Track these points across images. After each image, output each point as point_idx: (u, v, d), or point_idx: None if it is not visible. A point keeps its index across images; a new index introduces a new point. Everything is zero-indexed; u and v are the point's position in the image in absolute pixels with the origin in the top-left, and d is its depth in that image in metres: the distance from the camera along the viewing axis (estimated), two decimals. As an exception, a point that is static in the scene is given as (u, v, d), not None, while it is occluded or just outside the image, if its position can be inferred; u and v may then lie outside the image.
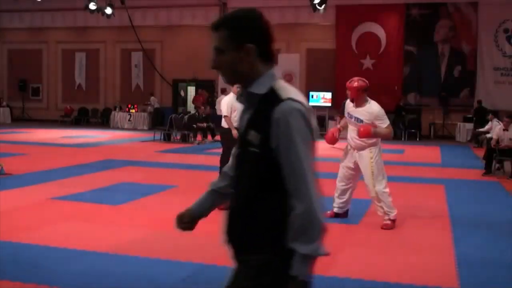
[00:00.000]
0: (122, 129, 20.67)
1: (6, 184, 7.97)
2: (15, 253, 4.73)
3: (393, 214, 5.97)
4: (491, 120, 15.29)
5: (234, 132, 7.45)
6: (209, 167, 8.38)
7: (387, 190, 5.97)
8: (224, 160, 8.18)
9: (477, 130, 16.62)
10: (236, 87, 7.63)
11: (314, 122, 2.06)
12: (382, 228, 5.92)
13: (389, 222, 5.96)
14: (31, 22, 24.57)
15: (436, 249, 5.17)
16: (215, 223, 6.53)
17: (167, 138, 15.91)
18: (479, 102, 18.49)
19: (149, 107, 21.19)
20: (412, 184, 9.16)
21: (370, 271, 4.43)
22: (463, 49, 19.42)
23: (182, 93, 22.29)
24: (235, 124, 7.20)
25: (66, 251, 4.81)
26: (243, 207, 2.04)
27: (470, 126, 18.22)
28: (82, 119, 23.32)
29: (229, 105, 7.30)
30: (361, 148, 6.08)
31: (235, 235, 2.09)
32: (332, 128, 6.19)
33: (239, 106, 2.61)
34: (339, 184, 6.35)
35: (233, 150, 2.18)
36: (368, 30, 20.24)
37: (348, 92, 6.34)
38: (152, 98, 21.19)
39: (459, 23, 19.39)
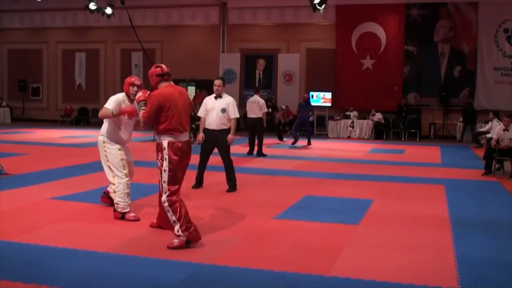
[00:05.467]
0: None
1: (6, 184, 7.98)
2: (15, 253, 4.73)
3: (117, 205, 6.12)
4: (491, 120, 15.30)
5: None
6: (209, 167, 8.38)
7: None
8: None
9: (477, 130, 16.68)
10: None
11: None
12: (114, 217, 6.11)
13: (117, 213, 6.14)
14: (31, 22, 24.58)
15: (436, 249, 5.17)
16: (214, 223, 6.52)
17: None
18: (467, 103, 18.64)
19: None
20: (412, 184, 9.16)
21: (370, 271, 4.43)
22: (463, 49, 19.43)
23: (182, 93, 22.28)
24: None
25: (66, 251, 4.81)
26: None
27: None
28: (82, 119, 23.33)
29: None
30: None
31: None
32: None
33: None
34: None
35: None
36: (368, 30, 20.24)
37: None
38: None
39: (459, 23, 19.40)
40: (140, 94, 5.63)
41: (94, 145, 14.39)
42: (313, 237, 5.55)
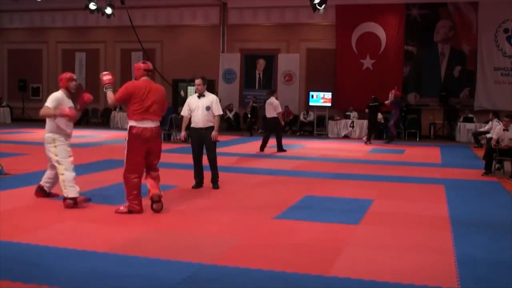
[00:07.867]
0: (122, 129, 20.66)
1: (6, 184, 7.98)
2: (15, 253, 4.73)
3: (67, 192, 6.48)
4: (491, 120, 15.29)
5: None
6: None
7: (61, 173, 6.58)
8: None
9: (478, 130, 16.68)
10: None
11: None
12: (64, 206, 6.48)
13: (67, 201, 6.52)
14: (31, 22, 24.59)
15: (436, 249, 5.17)
16: (215, 223, 6.52)
17: (168, 138, 15.90)
18: (451, 102, 18.88)
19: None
20: (412, 184, 9.16)
21: (370, 271, 4.43)
22: (463, 49, 19.44)
23: (182, 93, 22.30)
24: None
25: (66, 251, 4.81)
26: None
27: (470, 126, 18.29)
28: (82, 119, 23.29)
29: None
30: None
31: None
32: None
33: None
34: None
35: None
36: (368, 30, 20.25)
37: None
38: None
39: (459, 23, 19.41)
40: (110, 77, 6.58)
41: (94, 145, 14.49)
42: (313, 237, 5.55)
